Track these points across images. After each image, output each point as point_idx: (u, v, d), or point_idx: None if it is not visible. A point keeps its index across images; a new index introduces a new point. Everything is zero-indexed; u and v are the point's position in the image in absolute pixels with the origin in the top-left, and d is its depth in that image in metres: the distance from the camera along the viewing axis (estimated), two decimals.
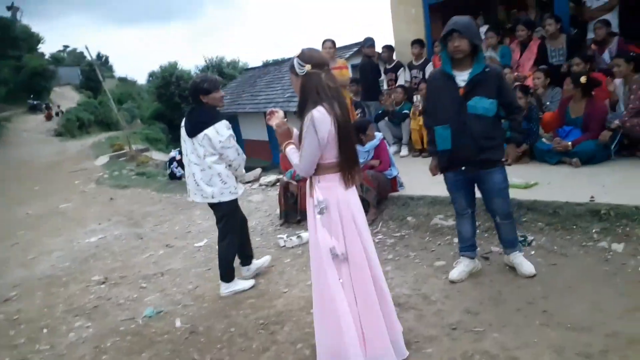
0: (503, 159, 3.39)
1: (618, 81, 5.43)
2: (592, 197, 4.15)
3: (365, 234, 2.63)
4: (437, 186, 5.36)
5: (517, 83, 6.03)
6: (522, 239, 4.01)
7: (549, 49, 6.38)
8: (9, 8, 45.98)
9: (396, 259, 4.27)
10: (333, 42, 6.54)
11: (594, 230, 3.83)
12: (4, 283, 5.43)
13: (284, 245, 5.08)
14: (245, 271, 4.41)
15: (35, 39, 47.37)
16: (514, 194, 4.54)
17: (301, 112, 2.48)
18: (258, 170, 9.23)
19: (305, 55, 2.49)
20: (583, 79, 5.23)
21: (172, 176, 10.94)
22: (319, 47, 6.58)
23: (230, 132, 3.89)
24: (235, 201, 4.07)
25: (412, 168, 6.45)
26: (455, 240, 4.32)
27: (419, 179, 5.86)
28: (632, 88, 5.02)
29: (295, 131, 2.68)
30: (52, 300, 4.70)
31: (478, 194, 3.55)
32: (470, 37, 3.10)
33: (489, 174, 3.30)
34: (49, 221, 8.43)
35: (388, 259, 4.28)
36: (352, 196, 2.61)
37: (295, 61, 2.48)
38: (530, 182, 4.86)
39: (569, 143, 5.26)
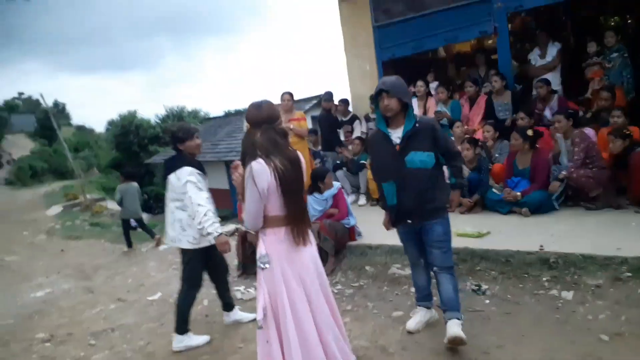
0: (447, 206, 3.45)
1: (559, 135, 5.72)
2: (541, 246, 4.29)
3: (315, 292, 2.60)
4: (394, 235, 5.41)
5: (466, 136, 6.28)
6: (477, 287, 4.09)
7: (495, 104, 6.73)
8: None
9: (355, 310, 4.24)
10: (291, 95, 6.73)
11: (544, 279, 3.94)
12: None
13: (241, 298, 4.97)
14: (225, 316, 4.40)
15: None
16: (467, 243, 4.68)
17: (244, 166, 2.54)
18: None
19: (247, 114, 2.58)
20: (529, 132, 5.52)
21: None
22: (277, 99, 6.74)
23: (189, 178, 3.77)
24: (194, 251, 3.95)
25: (370, 217, 6.49)
26: (412, 289, 4.35)
27: (377, 227, 5.84)
28: (574, 141, 5.31)
29: None
30: None
31: None
32: (399, 95, 3.20)
33: (430, 226, 3.32)
34: None
35: (347, 310, 4.25)
36: (302, 252, 2.58)
37: (244, 118, 2.63)
38: (482, 231, 4.99)
39: (519, 193, 5.46)
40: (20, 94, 64.73)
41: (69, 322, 5.15)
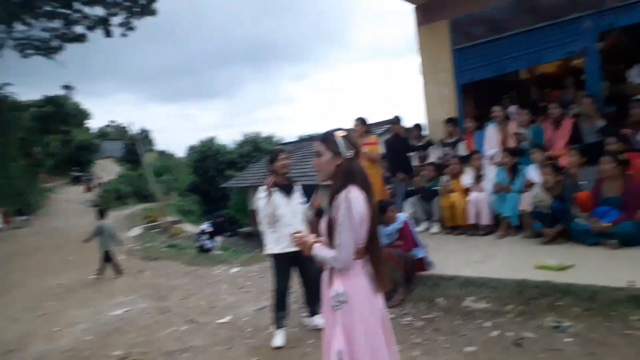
0: None
1: None
2: (631, 281, 3.94)
3: (390, 330, 2.45)
4: (469, 266, 5.24)
5: (549, 161, 5.95)
6: (557, 324, 3.80)
7: (584, 128, 6.32)
8: (64, 87, 49.36)
9: (425, 343, 4.07)
10: (362, 120, 6.69)
11: (634, 318, 3.61)
12: (26, 356, 5.40)
13: (308, 325, 4.92)
14: (307, 319, 4.84)
15: (84, 115, 50.38)
16: (548, 276, 4.42)
17: (335, 195, 2.34)
18: None
19: (352, 139, 2.41)
20: (622, 156, 5.16)
21: (202, 249, 11.01)
22: (350, 124, 6.74)
23: (259, 197, 4.56)
24: (275, 257, 4.60)
25: (443, 246, 6.32)
26: (488, 324, 4.12)
27: (451, 257, 5.73)
28: None
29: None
30: None
31: None
32: None
33: None
34: (78, 292, 8.47)
35: (416, 343, 4.09)
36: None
37: (341, 141, 2.38)
38: (565, 263, 4.67)
39: (608, 224, 5.07)
40: (112, 121, 69.60)
41: (144, 341, 5.32)
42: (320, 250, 2.38)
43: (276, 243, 4.52)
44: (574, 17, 6.70)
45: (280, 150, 4.67)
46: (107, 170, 46.04)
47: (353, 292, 2.31)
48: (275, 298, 4.67)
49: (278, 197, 4.52)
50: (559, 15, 6.82)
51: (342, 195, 2.28)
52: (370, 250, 2.38)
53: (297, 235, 2.54)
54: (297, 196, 4.66)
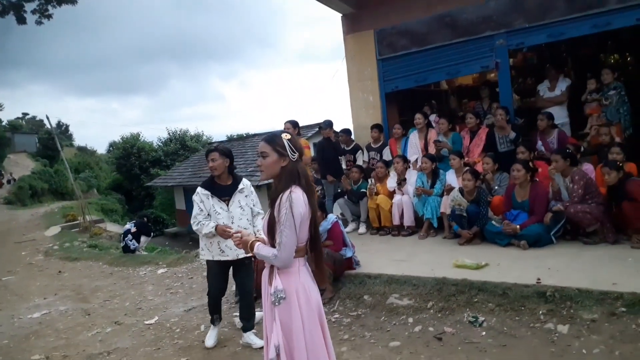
0: None
1: (557, 174, 5.76)
2: (538, 279, 4.33)
3: (326, 325, 2.56)
4: (393, 265, 5.49)
5: (467, 168, 6.35)
6: (474, 319, 4.10)
7: (497, 137, 6.82)
8: None
9: (352, 339, 4.25)
10: (292, 123, 6.82)
11: (540, 312, 3.96)
12: None
13: (242, 340, 4.91)
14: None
15: None
16: (465, 274, 4.72)
17: (277, 194, 2.41)
18: None
19: (296, 143, 2.48)
20: (531, 164, 5.65)
21: (126, 249, 10.63)
22: (280, 126, 6.84)
23: (193, 198, 4.38)
24: (208, 262, 4.47)
25: (369, 246, 6.56)
26: (411, 320, 4.36)
27: (376, 257, 5.97)
28: (573, 179, 5.38)
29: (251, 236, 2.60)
30: None
31: None
32: None
33: None
34: None
35: (344, 339, 4.25)
36: (314, 284, 2.54)
37: (287, 143, 2.43)
38: (481, 262, 5.02)
39: (517, 226, 5.51)
40: (25, 114, 65.09)
41: (65, 344, 5.13)
42: (261, 249, 2.45)
43: (208, 249, 4.35)
44: (487, 34, 7.16)
45: (209, 150, 4.43)
46: (19, 165, 43.01)
47: (292, 289, 2.40)
48: (208, 300, 4.63)
49: (212, 202, 4.29)
50: (475, 32, 7.26)
51: (285, 195, 2.35)
52: (312, 248, 2.51)
53: (237, 235, 2.60)
54: (239, 198, 4.38)
